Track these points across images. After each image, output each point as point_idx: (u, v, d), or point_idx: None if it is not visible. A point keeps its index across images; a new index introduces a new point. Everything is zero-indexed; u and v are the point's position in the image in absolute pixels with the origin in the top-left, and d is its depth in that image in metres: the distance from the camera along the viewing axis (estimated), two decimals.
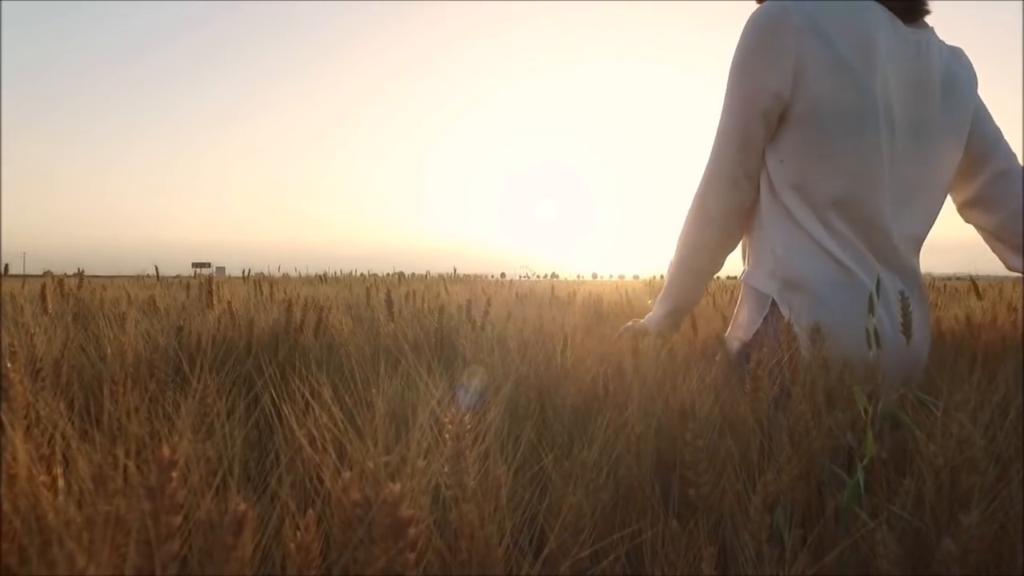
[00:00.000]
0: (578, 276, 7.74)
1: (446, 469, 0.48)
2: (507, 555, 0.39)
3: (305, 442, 0.38)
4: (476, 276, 6.51)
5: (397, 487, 0.31)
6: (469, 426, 0.49)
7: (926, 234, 1.04)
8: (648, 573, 0.47)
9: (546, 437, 0.67)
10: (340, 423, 0.38)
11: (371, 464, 0.36)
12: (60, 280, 1.87)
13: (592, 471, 0.53)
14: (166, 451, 0.26)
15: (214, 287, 1.37)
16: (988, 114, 1.09)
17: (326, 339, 1.35)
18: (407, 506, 0.31)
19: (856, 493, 0.54)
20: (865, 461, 0.53)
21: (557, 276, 7.29)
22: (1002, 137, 1.09)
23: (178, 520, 0.27)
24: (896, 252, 0.98)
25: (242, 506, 0.31)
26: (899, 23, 0.97)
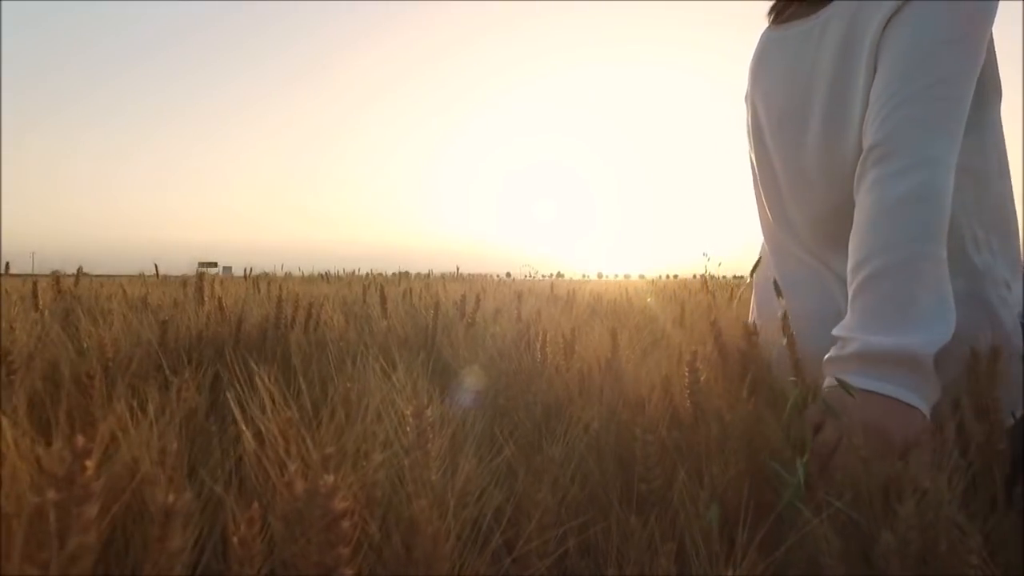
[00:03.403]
0: (583, 275, 7.73)
1: (406, 462, 0.47)
2: (457, 550, 0.38)
3: (249, 435, 0.37)
4: (480, 276, 6.51)
5: (331, 479, 0.30)
6: (431, 420, 0.48)
7: (838, 218, 0.86)
8: (604, 572, 0.45)
9: (515, 433, 0.65)
10: (293, 417, 0.37)
11: (317, 456, 0.35)
12: (57, 278, 1.88)
13: (557, 467, 0.52)
14: (80, 440, 0.25)
15: (206, 284, 1.37)
16: (903, 48, 0.75)
17: (317, 335, 1.34)
18: (342, 499, 0.30)
19: (798, 490, 0.52)
20: (805, 457, 0.52)
21: (562, 275, 7.27)
22: (900, 92, 0.73)
23: (93, 510, 0.26)
24: (812, 242, 0.93)
25: (171, 498, 0.30)
26: (787, 26, 0.92)
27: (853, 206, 0.77)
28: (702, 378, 0.69)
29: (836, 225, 0.85)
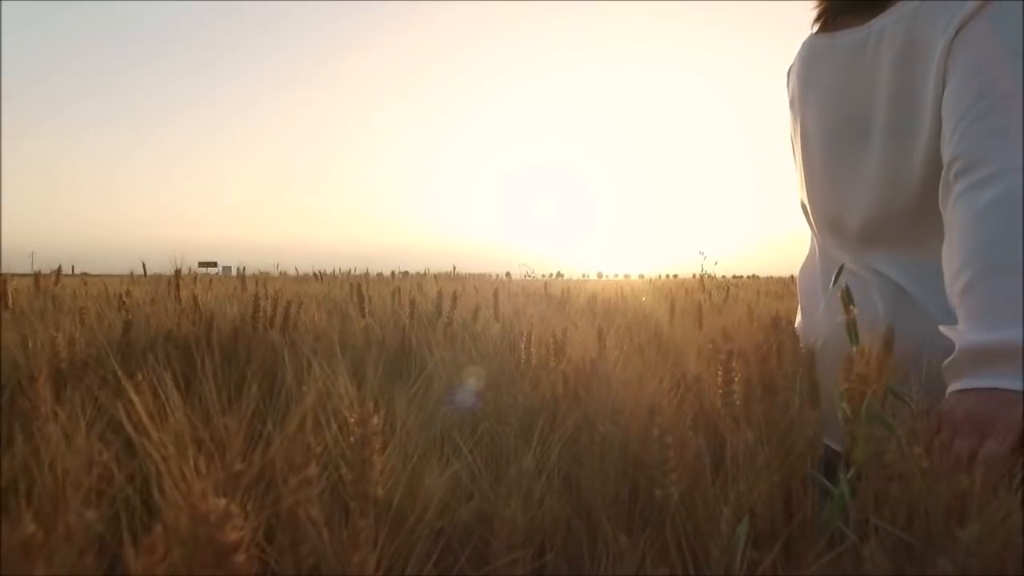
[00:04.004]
0: (583, 275, 7.68)
1: (351, 476, 0.42)
2: None
3: (152, 449, 0.32)
4: (477, 275, 6.46)
5: (222, 502, 0.25)
6: (379, 427, 0.43)
7: (890, 221, 0.88)
8: None
9: (487, 440, 0.60)
10: (182, 427, 0.32)
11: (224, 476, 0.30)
12: (37, 276, 1.84)
13: (535, 479, 0.47)
14: None
15: (182, 282, 1.32)
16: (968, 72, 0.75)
17: (295, 334, 1.29)
18: (233, 528, 0.25)
19: (842, 505, 0.47)
20: (852, 471, 0.47)
21: (562, 275, 7.23)
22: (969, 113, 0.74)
23: None
24: (858, 247, 0.93)
25: (29, 528, 0.25)
26: (837, 35, 0.91)
27: (907, 210, 0.84)
28: (736, 378, 0.63)
29: (887, 228, 0.88)
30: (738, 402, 0.57)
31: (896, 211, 0.86)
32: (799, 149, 1.00)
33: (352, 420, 0.43)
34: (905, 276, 0.87)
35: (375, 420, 0.43)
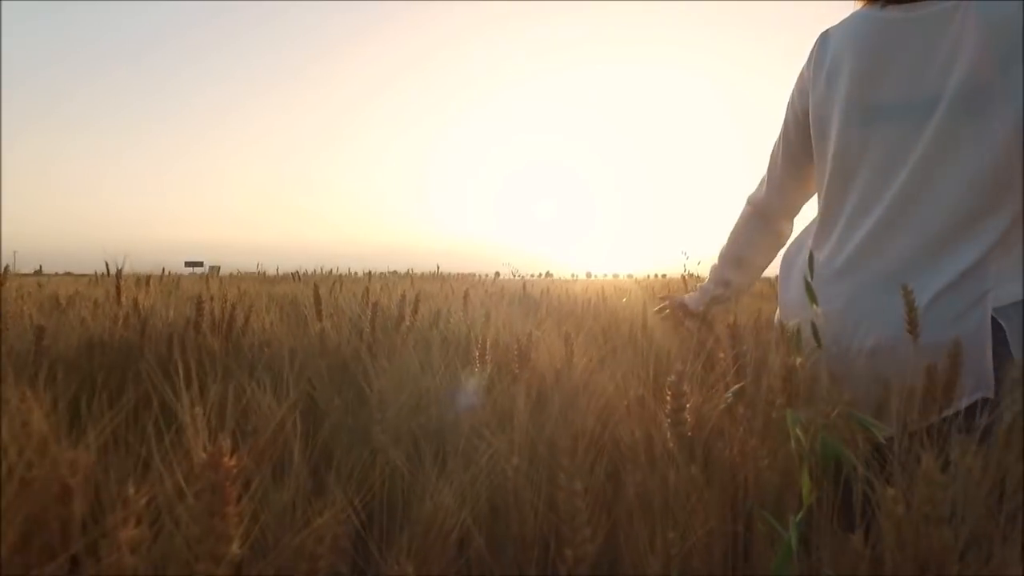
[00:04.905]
0: (572, 275, 7.62)
1: (195, 531, 0.35)
2: None
3: None
4: (464, 275, 6.37)
5: None
6: (234, 472, 0.35)
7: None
8: None
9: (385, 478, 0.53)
10: None
11: None
12: None
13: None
14: None
15: (122, 283, 1.24)
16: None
17: (246, 339, 1.21)
18: None
19: (788, 556, 0.40)
20: (800, 514, 0.39)
21: (551, 275, 7.16)
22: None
23: None
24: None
25: None
26: (912, 7, 0.89)
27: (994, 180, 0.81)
28: (687, 404, 0.54)
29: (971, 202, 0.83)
30: (688, 432, 0.50)
31: (956, 185, 0.83)
32: (828, 123, 0.96)
33: (202, 460, 0.35)
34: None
35: (233, 462, 0.35)
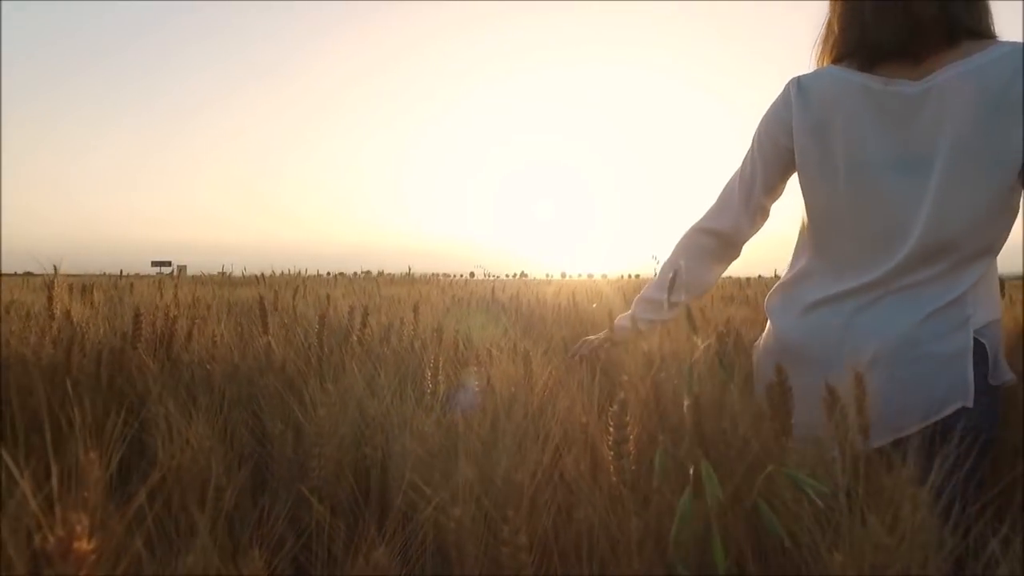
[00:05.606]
0: (547, 275, 7.59)
1: None
2: None
3: None
4: (435, 276, 6.30)
5: None
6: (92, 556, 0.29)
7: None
8: None
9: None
10: None
11: None
12: None
13: None
14: None
15: (55, 292, 1.15)
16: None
17: (187, 356, 1.14)
18: None
19: None
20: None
21: (526, 275, 7.13)
22: None
23: None
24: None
25: None
26: (891, 83, 0.94)
27: (967, 230, 0.90)
28: (630, 436, 0.49)
29: (946, 243, 0.92)
30: (632, 467, 0.45)
31: (957, 230, 0.91)
32: (822, 174, 1.00)
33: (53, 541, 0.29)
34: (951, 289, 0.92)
35: (87, 545, 0.29)
